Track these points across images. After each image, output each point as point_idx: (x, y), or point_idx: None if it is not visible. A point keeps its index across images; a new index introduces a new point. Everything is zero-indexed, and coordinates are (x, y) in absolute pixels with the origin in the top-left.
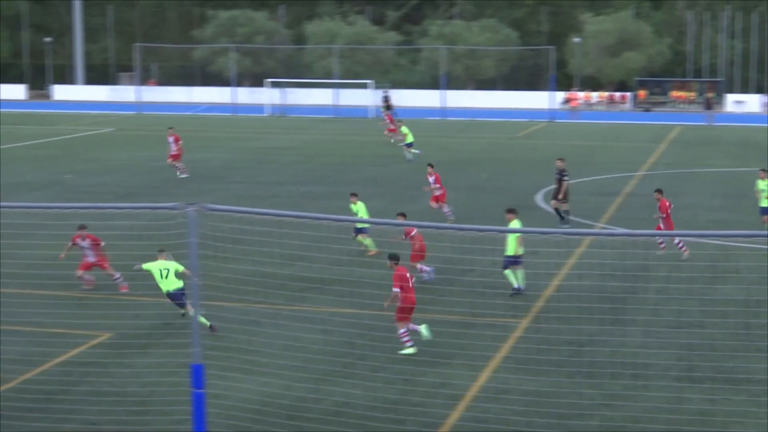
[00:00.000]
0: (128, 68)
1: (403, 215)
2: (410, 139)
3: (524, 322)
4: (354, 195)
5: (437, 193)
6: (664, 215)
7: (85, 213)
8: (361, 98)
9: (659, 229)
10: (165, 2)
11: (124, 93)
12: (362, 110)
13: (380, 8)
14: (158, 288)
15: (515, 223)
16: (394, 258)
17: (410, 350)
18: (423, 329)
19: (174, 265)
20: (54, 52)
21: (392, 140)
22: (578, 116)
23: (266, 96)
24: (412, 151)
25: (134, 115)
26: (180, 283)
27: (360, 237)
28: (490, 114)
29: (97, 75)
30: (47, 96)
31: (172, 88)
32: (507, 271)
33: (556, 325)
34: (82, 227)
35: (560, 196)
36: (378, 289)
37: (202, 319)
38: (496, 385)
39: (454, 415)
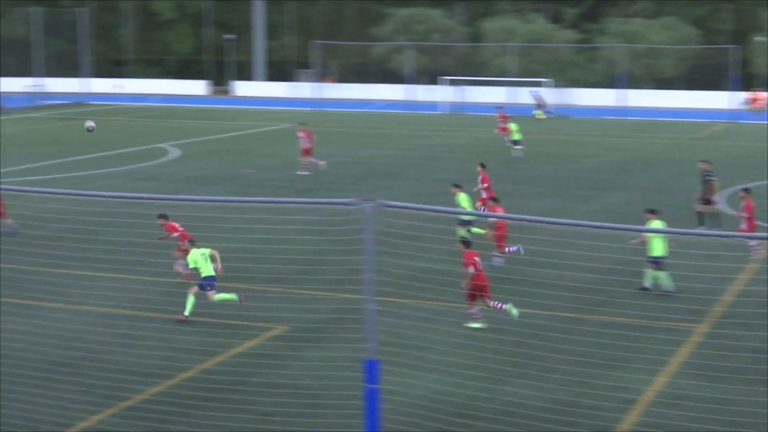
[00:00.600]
0: (307, 65)
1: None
2: (517, 136)
3: (702, 327)
4: (456, 186)
5: (483, 195)
6: (748, 215)
7: (263, 207)
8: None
9: (741, 231)
10: (344, 0)
11: (303, 89)
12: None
13: (558, 6)
14: (331, 283)
15: (656, 224)
16: (466, 243)
17: (478, 324)
18: (511, 309)
19: (207, 251)
20: (235, 48)
21: (505, 140)
22: (762, 117)
23: (442, 93)
24: (516, 148)
25: (312, 112)
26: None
27: (461, 230)
28: (668, 114)
29: (277, 71)
30: (227, 92)
31: (349, 85)
32: (648, 270)
33: (736, 331)
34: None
35: (709, 197)
36: (551, 289)
37: (228, 296)
38: (673, 391)
39: (629, 420)
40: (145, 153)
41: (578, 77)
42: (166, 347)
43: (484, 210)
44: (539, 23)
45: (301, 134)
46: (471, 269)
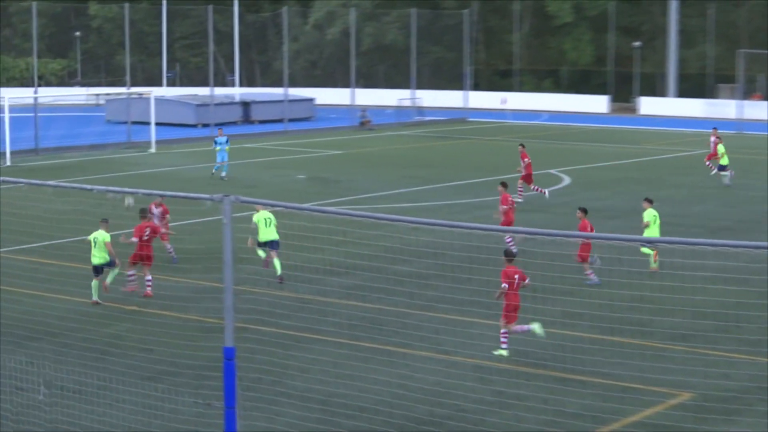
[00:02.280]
0: (730, 79)
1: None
2: (724, 161)
3: None
4: (648, 201)
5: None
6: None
7: (672, 248)
8: None
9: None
10: None
11: (723, 108)
12: None
13: None
14: (751, 344)
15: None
16: (509, 255)
17: (503, 352)
18: (536, 328)
19: (273, 217)
20: (642, 58)
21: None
22: None
23: None
24: (722, 174)
25: (734, 135)
26: (276, 235)
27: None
28: None
29: (691, 86)
30: (633, 109)
31: None
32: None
33: None
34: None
35: None
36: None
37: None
38: None
39: None
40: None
41: None
42: (548, 410)
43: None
44: None
45: (524, 159)
46: (505, 285)
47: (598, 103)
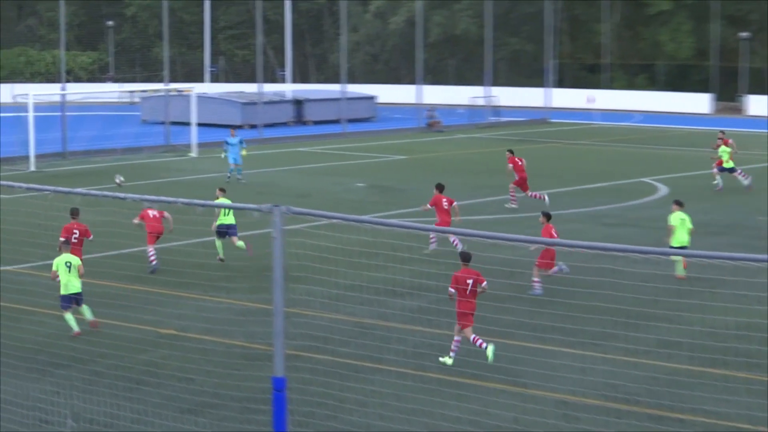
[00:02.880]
0: None
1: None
2: (729, 164)
3: None
4: (677, 203)
5: (427, 207)
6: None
7: None
8: None
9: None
10: None
11: None
12: None
13: None
14: None
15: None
16: (464, 257)
17: (449, 360)
18: (489, 352)
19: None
20: (750, 51)
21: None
22: None
23: None
24: (739, 176)
25: None
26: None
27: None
28: None
29: None
30: (739, 109)
31: None
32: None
33: None
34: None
35: None
36: None
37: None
38: None
39: None
40: (622, 189)
41: None
42: None
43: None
44: None
45: (518, 162)
46: (453, 290)
47: (699, 103)
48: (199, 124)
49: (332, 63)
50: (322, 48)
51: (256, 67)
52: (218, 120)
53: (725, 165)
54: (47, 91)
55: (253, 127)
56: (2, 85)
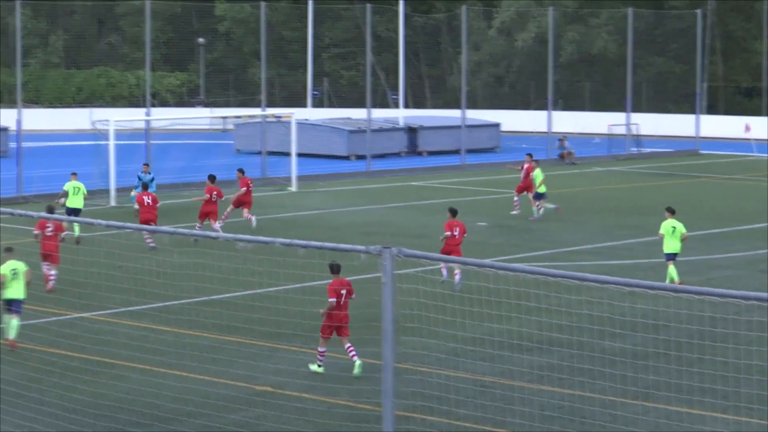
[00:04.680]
0: None
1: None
2: (542, 189)
3: None
4: (669, 211)
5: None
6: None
7: None
8: None
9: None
10: None
11: None
12: None
13: None
14: None
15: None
16: (333, 269)
17: (319, 369)
18: (356, 367)
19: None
20: None
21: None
22: None
23: None
24: (546, 205)
25: None
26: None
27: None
28: None
29: None
30: None
31: None
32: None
33: None
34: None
35: None
36: None
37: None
38: None
39: None
40: None
41: None
42: None
43: None
44: None
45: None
46: (333, 300)
47: None
48: (300, 155)
49: (450, 86)
50: (439, 69)
51: (364, 90)
52: (321, 150)
53: (539, 190)
54: (130, 117)
55: (360, 158)
56: (80, 109)
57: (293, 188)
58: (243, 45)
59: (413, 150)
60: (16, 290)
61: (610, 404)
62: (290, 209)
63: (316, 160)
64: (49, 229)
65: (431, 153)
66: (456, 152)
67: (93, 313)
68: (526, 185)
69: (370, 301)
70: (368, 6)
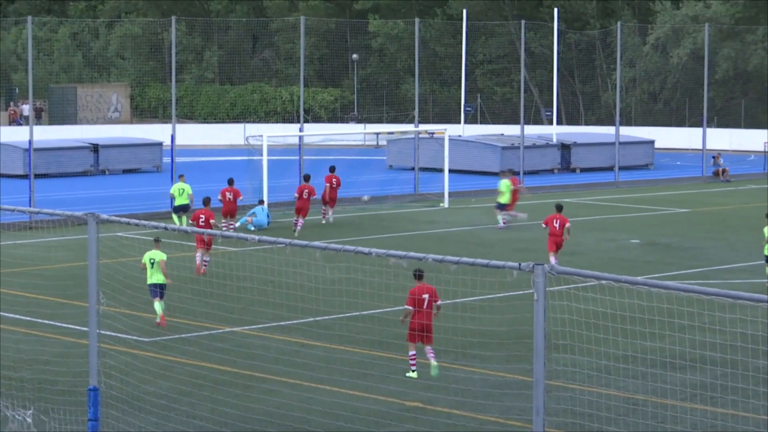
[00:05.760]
0: None
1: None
2: (504, 199)
3: None
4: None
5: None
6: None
7: None
8: None
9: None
10: None
11: None
12: None
13: None
14: None
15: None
16: (416, 275)
17: (413, 374)
18: (433, 368)
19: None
20: None
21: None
22: None
23: None
24: (513, 214)
25: None
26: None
27: None
28: None
29: None
30: None
31: None
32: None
33: None
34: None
35: None
36: None
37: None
38: None
39: None
40: None
41: None
42: None
43: None
44: None
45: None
46: (410, 308)
47: None
48: (452, 171)
49: (604, 102)
50: (593, 85)
51: (518, 107)
52: (473, 166)
53: (500, 200)
54: (283, 132)
55: (513, 174)
56: (234, 124)
57: (445, 204)
58: (396, 61)
59: (567, 167)
60: (156, 276)
61: (763, 424)
62: (442, 225)
63: (469, 176)
64: (202, 219)
65: (584, 170)
66: (609, 169)
67: (244, 328)
68: (516, 200)
69: (521, 317)
70: (523, 22)
